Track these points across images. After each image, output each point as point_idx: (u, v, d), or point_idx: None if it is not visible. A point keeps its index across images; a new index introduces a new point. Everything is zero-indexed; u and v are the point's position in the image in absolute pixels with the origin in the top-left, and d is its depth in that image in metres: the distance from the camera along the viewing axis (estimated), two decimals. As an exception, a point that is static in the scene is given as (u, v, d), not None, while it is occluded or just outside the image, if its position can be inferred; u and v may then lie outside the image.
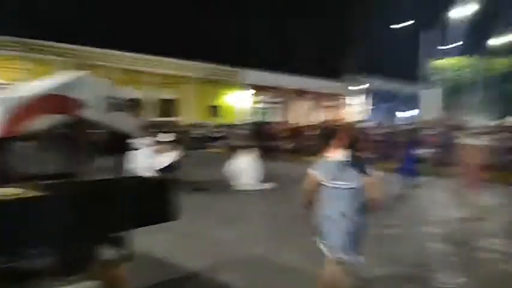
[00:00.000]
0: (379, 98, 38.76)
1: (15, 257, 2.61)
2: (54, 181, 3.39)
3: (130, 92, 3.38)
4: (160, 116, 24.09)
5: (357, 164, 3.46)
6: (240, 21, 29.10)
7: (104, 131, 3.24)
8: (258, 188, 10.05)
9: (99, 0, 27.57)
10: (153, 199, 3.44)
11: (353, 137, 3.69)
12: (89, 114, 2.77)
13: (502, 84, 35.93)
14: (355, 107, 36.82)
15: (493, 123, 18.55)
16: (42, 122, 2.60)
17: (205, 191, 9.58)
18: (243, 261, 5.01)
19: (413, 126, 16.39)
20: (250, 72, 29.12)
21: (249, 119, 27.78)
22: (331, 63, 34.65)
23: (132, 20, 28.11)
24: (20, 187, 2.82)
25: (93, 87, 2.78)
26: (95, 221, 2.97)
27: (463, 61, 35.13)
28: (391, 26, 26.34)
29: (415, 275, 4.71)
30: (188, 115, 26.04)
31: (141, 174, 4.75)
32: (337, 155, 3.51)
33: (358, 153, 3.54)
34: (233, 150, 11.36)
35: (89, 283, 2.98)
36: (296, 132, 19.68)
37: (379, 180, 3.59)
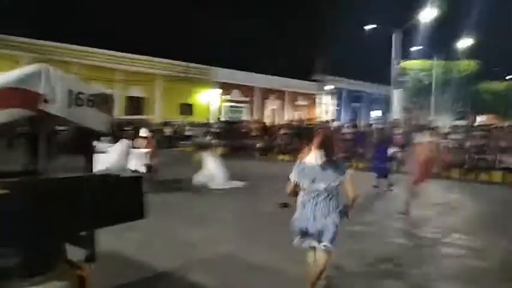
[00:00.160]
0: (347, 98, 39.45)
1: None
2: (17, 179, 3.25)
3: (98, 88, 3.24)
4: (129, 114, 23.63)
5: (332, 164, 3.54)
6: (212, 20, 28.90)
7: (70, 127, 3.11)
8: (228, 187, 9.99)
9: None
10: (121, 197, 3.33)
11: (328, 138, 3.75)
12: (52, 108, 2.63)
13: (467, 86, 37.30)
14: (325, 106, 37.29)
15: (457, 122, 19.20)
16: (0, 117, 2.46)
17: (175, 189, 9.45)
18: (213, 260, 4.96)
19: (382, 126, 16.76)
20: (222, 71, 29.01)
21: (221, 117, 27.68)
22: (302, 63, 34.97)
23: (101, 16, 27.45)
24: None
25: (56, 81, 2.62)
26: (60, 220, 2.86)
27: (429, 63, 36.21)
28: (361, 28, 26.80)
29: (383, 270, 4.80)
30: (158, 113, 25.68)
31: (109, 172, 4.61)
32: (312, 155, 3.60)
33: (333, 153, 3.61)
34: (200, 148, 11.25)
35: (55, 283, 2.87)
36: (267, 130, 19.73)
37: (353, 179, 3.66)
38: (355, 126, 18.89)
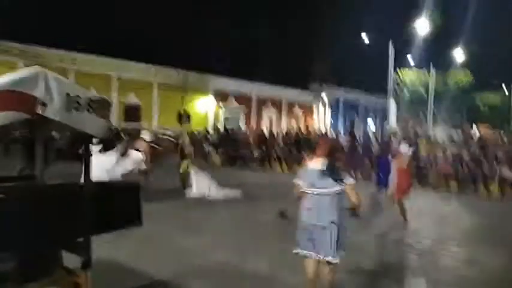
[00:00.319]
0: (344, 107, 39.58)
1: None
2: (13, 183, 3.21)
3: (95, 93, 3.20)
4: (126, 122, 23.55)
5: (334, 171, 3.68)
6: (211, 29, 29.02)
7: (67, 132, 3.08)
8: (223, 197, 9.84)
9: (63, 2, 26.78)
10: (118, 204, 3.31)
11: (332, 147, 3.93)
12: (49, 112, 2.58)
13: (463, 97, 37.58)
14: (321, 115, 37.38)
15: (454, 133, 19.26)
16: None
17: (169, 198, 9.28)
18: (208, 269, 4.90)
19: (381, 137, 16.77)
20: (219, 79, 29.04)
21: (219, 125, 27.64)
22: (299, 72, 35.11)
23: (98, 23, 27.49)
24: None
25: (53, 84, 2.58)
26: (56, 226, 2.82)
27: (425, 74, 36.47)
28: (359, 38, 27.00)
29: (379, 279, 4.75)
30: (155, 121, 25.62)
31: (105, 179, 4.56)
32: (317, 162, 3.76)
33: (335, 161, 3.76)
34: (182, 157, 10.81)
35: (50, 290, 2.83)
36: (264, 140, 19.69)
37: (354, 187, 3.77)
38: (353, 136, 18.86)
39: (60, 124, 2.80)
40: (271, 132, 23.49)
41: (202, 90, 28.46)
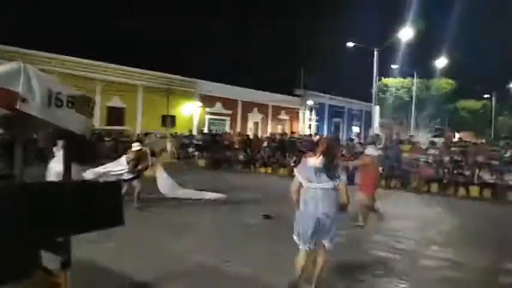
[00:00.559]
0: (329, 113, 39.91)
1: None
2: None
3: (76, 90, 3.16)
4: (109, 125, 23.32)
5: (331, 168, 4.02)
6: (196, 33, 29.06)
7: (47, 129, 3.03)
8: (204, 198, 9.80)
9: (46, 4, 26.50)
10: (99, 203, 3.25)
11: (330, 145, 4.23)
12: (29, 108, 2.54)
13: (445, 103, 38.25)
14: (307, 120, 37.60)
15: (436, 139, 19.57)
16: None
17: (149, 200, 9.15)
18: (189, 270, 4.87)
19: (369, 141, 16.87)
20: (205, 83, 28.98)
21: (204, 129, 27.57)
22: (285, 78, 35.37)
23: (82, 25, 27.28)
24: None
25: (35, 80, 2.54)
26: (35, 226, 2.77)
27: (409, 80, 37.03)
28: (344, 45, 27.28)
29: (361, 281, 4.79)
30: (139, 124, 25.41)
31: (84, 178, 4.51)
32: (315, 159, 4.09)
33: (333, 159, 4.10)
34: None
35: (28, 291, 2.77)
36: (250, 143, 19.70)
37: (346, 186, 4.10)
38: (336, 139, 18.99)
39: (41, 121, 2.76)
40: (255, 135, 23.52)
41: (187, 94, 28.37)
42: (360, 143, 16.84)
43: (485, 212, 10.55)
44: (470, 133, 34.01)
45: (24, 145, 3.57)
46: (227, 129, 29.99)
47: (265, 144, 19.09)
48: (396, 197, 11.75)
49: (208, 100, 29.61)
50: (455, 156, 13.91)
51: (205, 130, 27.16)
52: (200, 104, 28.85)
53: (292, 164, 15.49)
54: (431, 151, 14.67)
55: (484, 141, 21.59)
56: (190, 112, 28.69)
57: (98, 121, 21.97)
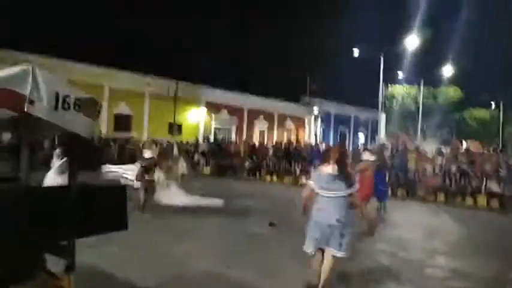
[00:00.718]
0: (335, 121, 39.82)
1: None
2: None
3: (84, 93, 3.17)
4: (116, 132, 23.41)
5: (344, 175, 4.12)
6: (203, 40, 29.20)
7: (55, 131, 3.05)
8: (195, 205, 9.56)
9: (52, 9, 26.76)
10: (103, 207, 3.26)
11: (343, 153, 4.36)
12: (37, 111, 2.55)
13: (452, 112, 38.03)
14: (313, 129, 37.54)
15: (443, 148, 19.43)
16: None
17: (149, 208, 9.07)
18: (192, 277, 4.84)
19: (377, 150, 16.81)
20: (211, 91, 29.08)
21: (210, 137, 27.58)
22: (291, 85, 35.41)
23: (89, 32, 27.49)
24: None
25: (42, 82, 2.55)
26: (39, 229, 2.77)
27: (416, 89, 36.89)
28: (351, 52, 27.28)
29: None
30: (145, 131, 25.49)
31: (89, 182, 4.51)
32: (329, 167, 4.17)
33: (346, 167, 4.24)
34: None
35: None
36: (255, 151, 19.71)
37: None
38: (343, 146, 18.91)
39: (47, 123, 2.77)
40: (261, 143, 23.52)
41: (194, 101, 28.46)
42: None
43: (493, 222, 10.43)
44: (478, 143, 33.72)
45: (31, 148, 3.59)
46: (233, 136, 30.02)
47: (270, 152, 19.10)
48: (402, 206, 11.67)
49: (214, 107, 29.70)
50: (462, 166, 13.82)
51: (211, 138, 27.06)
52: (207, 111, 28.93)
53: (298, 173, 15.47)
54: (438, 160, 14.59)
55: (491, 150, 21.40)
56: (197, 119, 28.77)
57: (104, 128, 22.09)
